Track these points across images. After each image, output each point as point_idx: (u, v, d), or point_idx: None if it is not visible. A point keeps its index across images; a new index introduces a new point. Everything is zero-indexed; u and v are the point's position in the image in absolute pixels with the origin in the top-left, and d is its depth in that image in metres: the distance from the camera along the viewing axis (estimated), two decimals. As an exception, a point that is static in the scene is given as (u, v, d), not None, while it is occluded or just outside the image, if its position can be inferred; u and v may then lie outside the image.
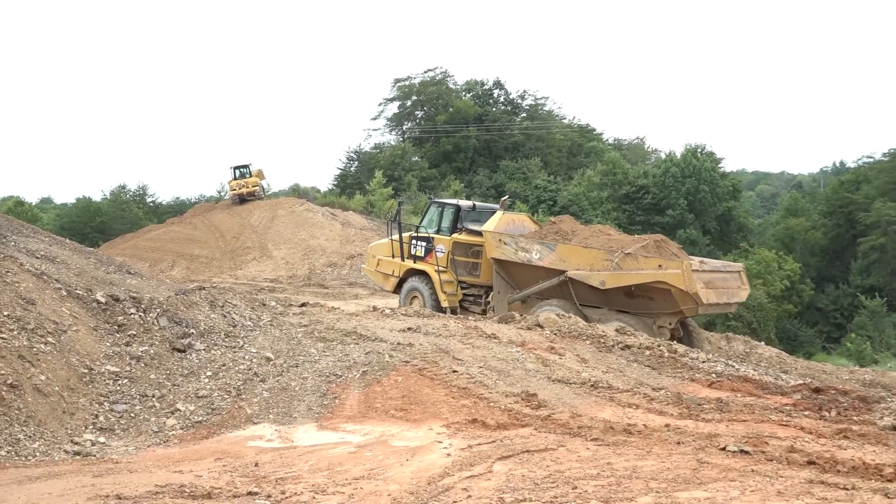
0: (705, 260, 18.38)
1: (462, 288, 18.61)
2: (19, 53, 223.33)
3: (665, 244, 16.75)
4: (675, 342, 15.21)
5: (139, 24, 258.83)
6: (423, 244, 18.86)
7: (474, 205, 20.08)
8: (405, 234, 19.93)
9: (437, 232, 18.96)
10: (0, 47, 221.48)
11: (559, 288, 16.96)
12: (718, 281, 16.31)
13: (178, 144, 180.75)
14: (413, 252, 19.12)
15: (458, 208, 19.22)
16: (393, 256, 19.62)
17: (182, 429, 9.79)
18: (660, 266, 15.66)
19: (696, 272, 15.58)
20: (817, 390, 11.43)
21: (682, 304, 15.64)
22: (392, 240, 19.61)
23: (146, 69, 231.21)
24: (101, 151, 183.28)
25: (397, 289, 19.73)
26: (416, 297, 19.08)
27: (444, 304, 18.20)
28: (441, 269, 18.39)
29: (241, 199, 50.63)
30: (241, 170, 52.06)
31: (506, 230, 17.59)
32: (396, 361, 11.71)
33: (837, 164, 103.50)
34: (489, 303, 18.40)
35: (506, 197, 29.41)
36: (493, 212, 18.97)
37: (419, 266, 18.87)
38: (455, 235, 18.60)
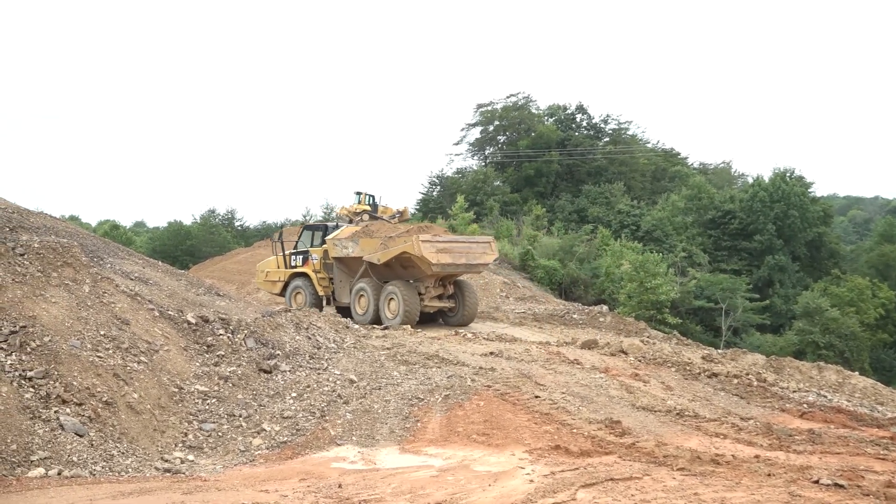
0: (450, 236, 24.03)
1: (331, 281, 24.00)
2: (117, 89, 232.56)
3: (428, 229, 22.97)
4: (447, 299, 22.09)
5: (232, 55, 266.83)
6: (301, 256, 24.81)
7: (336, 224, 26.39)
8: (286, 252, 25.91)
9: (311, 246, 24.73)
10: (97, 81, 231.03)
11: (365, 270, 22.39)
12: (456, 248, 21.27)
13: (265, 170, 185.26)
14: (294, 263, 24.97)
15: (325, 227, 25.31)
16: (278, 267, 25.40)
17: (268, 448, 9.94)
18: (404, 242, 20.80)
19: (427, 242, 20.47)
20: (917, 423, 10.97)
21: (423, 265, 20.60)
22: (277, 256, 25.53)
23: (235, 97, 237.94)
24: (191, 177, 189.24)
25: (283, 291, 25.20)
26: (299, 293, 24.47)
27: (321, 293, 23.92)
28: (317, 270, 24.12)
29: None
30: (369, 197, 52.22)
31: (345, 238, 23.21)
32: (478, 386, 11.69)
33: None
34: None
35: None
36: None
37: (301, 269, 24.59)
38: (323, 246, 24.12)
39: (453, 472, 8.55)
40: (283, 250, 25.34)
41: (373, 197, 51.41)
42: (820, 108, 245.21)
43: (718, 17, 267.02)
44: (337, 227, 25.29)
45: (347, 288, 23.20)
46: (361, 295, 22.31)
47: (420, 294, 21.44)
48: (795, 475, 7.91)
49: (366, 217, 47.59)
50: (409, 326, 20.17)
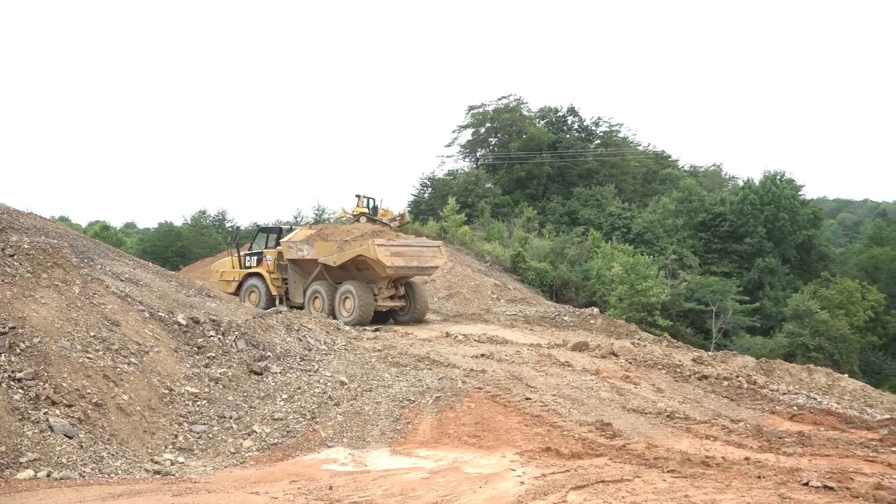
0: (403, 240, 24.79)
1: (284, 282, 24.78)
2: (109, 90, 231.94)
3: (382, 233, 23.38)
4: (399, 299, 23.26)
5: (225, 56, 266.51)
6: (256, 257, 25.68)
7: (290, 227, 27.05)
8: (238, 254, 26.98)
9: (266, 247, 25.59)
10: (89, 82, 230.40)
11: (320, 272, 23.34)
12: (408, 251, 22.51)
13: (256, 171, 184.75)
14: (248, 264, 25.81)
15: (279, 230, 26.04)
16: (233, 268, 26.15)
17: (258, 450, 9.92)
18: (360, 245, 21.86)
19: (382, 245, 21.67)
20: (905, 425, 11.01)
21: (378, 268, 21.75)
22: (232, 257, 26.40)
23: (226, 98, 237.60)
24: (182, 178, 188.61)
25: (237, 290, 25.53)
26: (253, 291, 25.22)
27: (275, 292, 24.64)
28: (270, 270, 25.02)
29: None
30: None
31: (300, 240, 24.13)
32: (469, 388, 11.70)
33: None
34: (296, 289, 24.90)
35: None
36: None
37: (255, 270, 25.44)
38: (278, 248, 24.94)
39: (444, 474, 8.55)
40: (238, 251, 26.49)
41: (373, 200, 51.40)
42: (810, 111, 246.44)
43: (710, 20, 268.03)
44: (290, 229, 26.34)
45: (301, 288, 24.14)
46: (316, 295, 23.32)
47: (374, 294, 22.58)
48: (785, 477, 7.94)
49: (363, 220, 47.67)
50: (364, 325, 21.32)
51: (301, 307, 23.13)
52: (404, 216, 51.58)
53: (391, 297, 23.19)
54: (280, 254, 24.75)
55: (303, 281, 24.22)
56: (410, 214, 63.99)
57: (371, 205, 50.84)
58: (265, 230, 27.00)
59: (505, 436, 10.04)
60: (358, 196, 51.45)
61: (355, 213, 49.97)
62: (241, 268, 25.99)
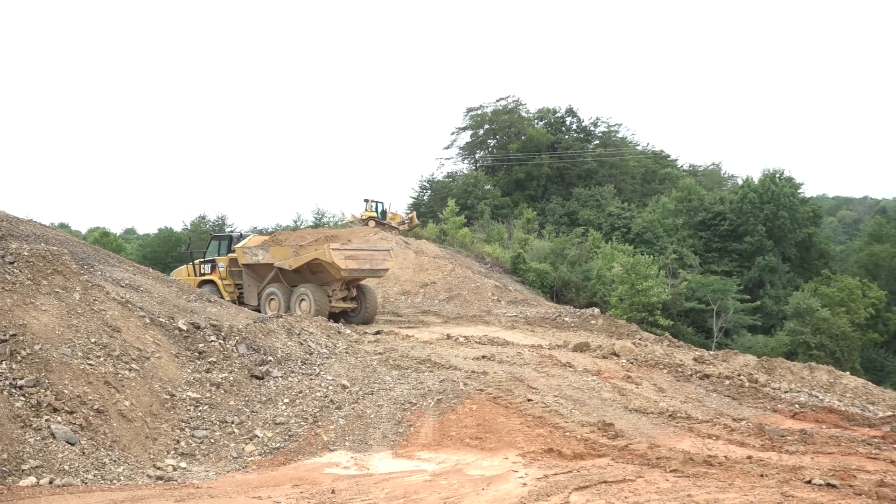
0: (355, 244, 25.41)
1: (237, 289, 25.88)
2: (107, 95, 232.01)
3: (334, 238, 24.50)
4: (351, 301, 24.52)
5: (223, 62, 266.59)
6: (209, 265, 26.65)
7: (241, 234, 28.83)
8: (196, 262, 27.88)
9: (219, 254, 26.73)
10: (87, 87, 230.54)
11: (275, 275, 24.39)
12: (360, 255, 23.58)
13: (255, 176, 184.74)
14: (202, 271, 26.62)
15: (231, 238, 27.52)
16: (189, 275, 26.67)
17: (260, 455, 9.92)
18: (315, 249, 23.02)
19: (337, 249, 22.77)
20: (908, 422, 11.01)
21: (333, 270, 22.91)
22: (187, 266, 27.27)
23: (225, 103, 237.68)
24: (182, 183, 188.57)
25: None
26: None
27: (227, 298, 24.62)
28: (223, 277, 26.03)
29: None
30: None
31: (255, 246, 25.39)
32: (471, 390, 11.69)
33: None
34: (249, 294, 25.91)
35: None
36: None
37: (208, 277, 26.23)
38: (230, 255, 26.16)
39: (447, 476, 8.55)
40: (192, 259, 27.54)
41: (381, 204, 51.47)
42: (809, 108, 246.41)
43: (708, 19, 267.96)
44: (242, 236, 28.04)
45: (255, 292, 25.31)
46: (272, 297, 24.50)
47: (328, 296, 23.82)
48: (788, 475, 7.94)
49: (372, 224, 47.80)
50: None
51: (256, 310, 23.64)
52: (413, 219, 51.67)
53: (344, 299, 24.45)
54: (233, 260, 25.93)
55: (257, 285, 25.31)
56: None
57: (379, 209, 50.94)
58: (217, 238, 28.52)
59: (507, 437, 10.04)
60: (366, 200, 51.58)
61: (364, 217, 50.07)
62: (196, 276, 26.84)
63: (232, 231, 53.69)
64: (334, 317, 23.77)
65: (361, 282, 25.23)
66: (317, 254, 22.98)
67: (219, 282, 25.96)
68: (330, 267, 22.90)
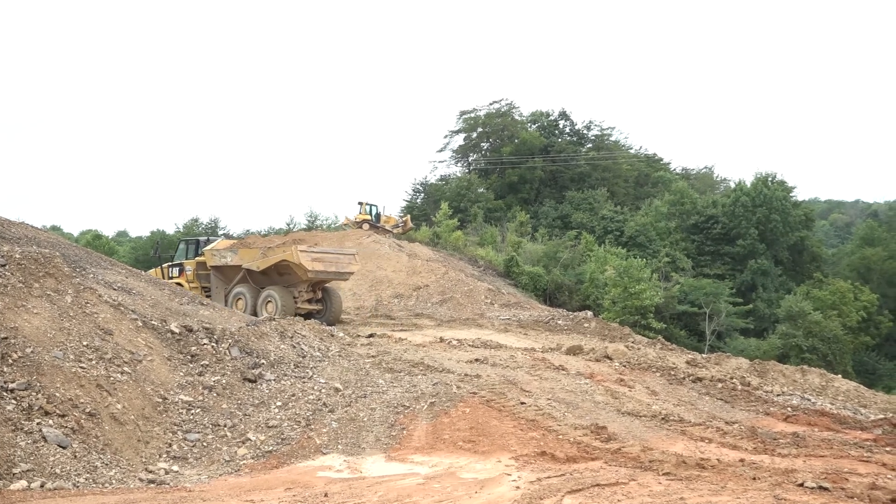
0: (322, 247, 26.86)
1: (204, 291, 26.03)
2: (100, 96, 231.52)
3: (301, 241, 26.20)
4: (317, 303, 25.16)
5: (216, 63, 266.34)
6: (178, 268, 27.53)
7: (208, 238, 28.93)
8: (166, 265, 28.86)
9: (186, 258, 27.49)
10: (80, 88, 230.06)
11: (243, 277, 25.12)
12: (327, 258, 24.51)
13: (248, 178, 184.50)
14: (171, 275, 27.28)
15: (198, 241, 28.21)
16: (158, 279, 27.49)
17: (253, 458, 9.89)
18: (283, 251, 23.98)
19: (304, 252, 23.67)
20: (899, 425, 11.05)
21: (300, 272, 23.70)
22: (156, 269, 27.62)
23: (218, 105, 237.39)
24: (174, 186, 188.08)
25: None
26: None
27: None
28: (189, 280, 26.68)
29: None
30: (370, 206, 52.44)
31: (223, 249, 26.21)
32: (464, 393, 11.69)
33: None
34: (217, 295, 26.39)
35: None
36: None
37: (177, 281, 26.43)
38: (197, 258, 26.92)
39: (440, 479, 8.54)
40: (161, 262, 28.53)
41: (375, 207, 51.57)
42: (801, 112, 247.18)
43: (700, 23, 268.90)
44: (209, 240, 28.53)
45: (223, 293, 25.86)
46: (239, 298, 25.12)
47: (294, 297, 24.57)
48: (780, 478, 7.95)
49: (366, 227, 47.89)
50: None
51: None
52: (407, 222, 51.75)
53: (310, 301, 25.12)
54: (200, 263, 26.70)
55: (224, 287, 25.98)
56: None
57: (374, 212, 51.01)
58: (185, 241, 29.47)
59: (500, 440, 10.03)
60: (360, 203, 51.69)
61: (358, 220, 50.15)
62: (165, 279, 27.00)
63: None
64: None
65: (327, 285, 25.92)
66: (284, 255, 23.77)
67: (186, 285, 26.24)
68: (297, 268, 23.63)
